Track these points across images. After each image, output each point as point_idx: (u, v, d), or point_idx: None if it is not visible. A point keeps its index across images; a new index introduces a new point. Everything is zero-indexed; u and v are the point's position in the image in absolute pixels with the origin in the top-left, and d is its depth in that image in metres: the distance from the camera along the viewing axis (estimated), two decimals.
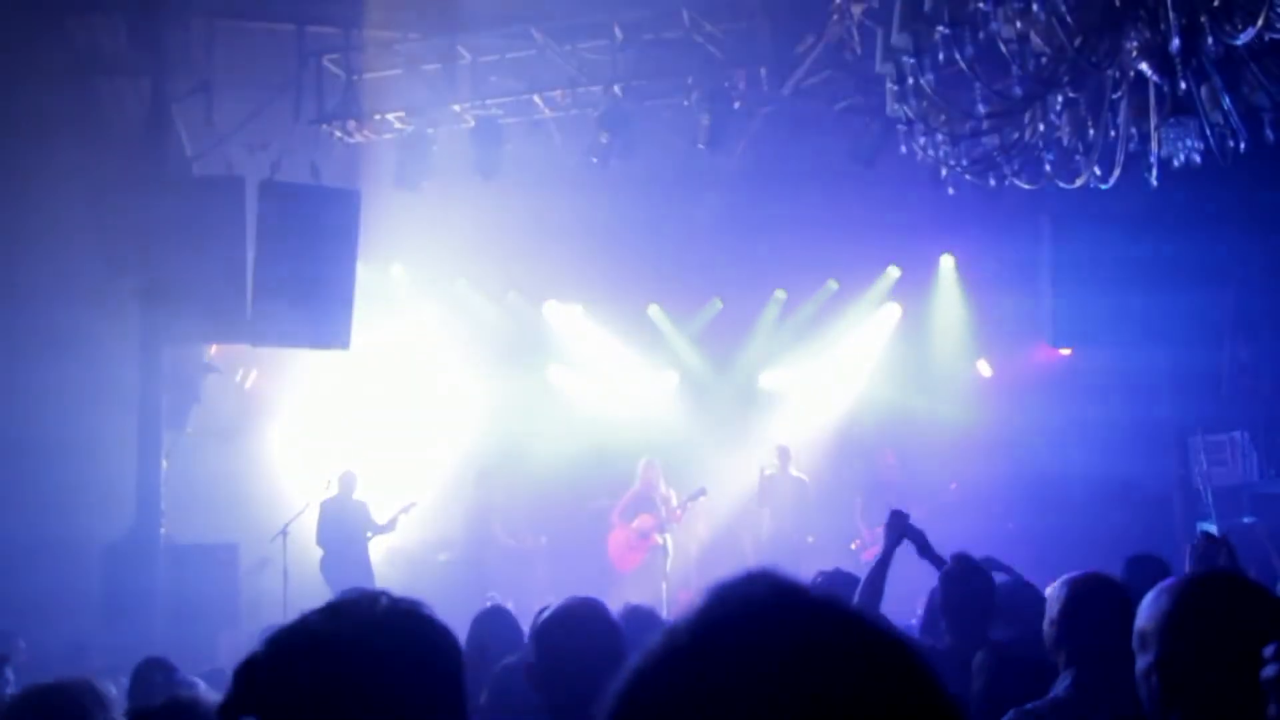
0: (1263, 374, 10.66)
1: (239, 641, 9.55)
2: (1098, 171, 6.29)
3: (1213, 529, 9.02)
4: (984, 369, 13.50)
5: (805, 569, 11.70)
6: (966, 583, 4.46)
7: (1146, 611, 2.17)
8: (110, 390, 9.51)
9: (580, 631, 2.64)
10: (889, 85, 5.66)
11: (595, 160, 9.88)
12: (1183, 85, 4.75)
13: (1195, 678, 2.05)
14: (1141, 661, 2.16)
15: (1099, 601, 3.22)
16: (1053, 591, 3.34)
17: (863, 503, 12.23)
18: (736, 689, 0.76)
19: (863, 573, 5.26)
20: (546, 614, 2.73)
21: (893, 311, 13.85)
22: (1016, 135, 5.99)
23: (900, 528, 5.00)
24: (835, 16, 8.71)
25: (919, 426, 13.14)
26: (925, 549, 5.01)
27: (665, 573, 11.88)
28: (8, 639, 4.17)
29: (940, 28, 4.79)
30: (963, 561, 4.57)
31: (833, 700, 0.76)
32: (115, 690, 3.38)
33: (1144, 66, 5.10)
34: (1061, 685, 3.13)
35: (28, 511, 8.66)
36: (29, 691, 2.95)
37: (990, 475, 11.98)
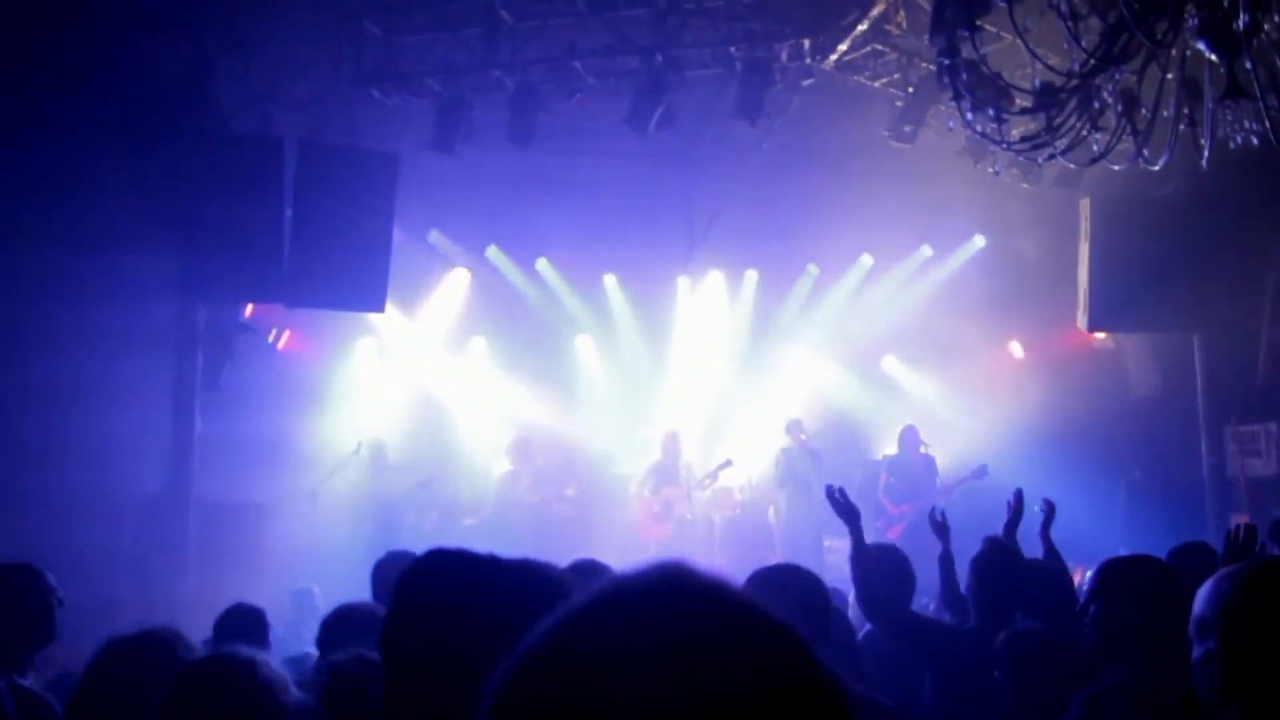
0: None
1: (268, 600, 9.64)
2: (1146, 154, 6.20)
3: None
4: (1016, 350, 13.40)
5: (831, 545, 11.77)
6: (995, 566, 4.41)
7: (1206, 598, 2.14)
8: (146, 348, 9.55)
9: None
10: (939, 59, 5.58)
11: (633, 129, 9.79)
12: (1248, 65, 4.64)
13: (1258, 666, 2.02)
14: (1199, 649, 2.13)
15: (1143, 582, 3.18)
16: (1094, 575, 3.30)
17: (887, 479, 12.17)
18: (620, 671, 0.77)
19: None
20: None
21: (924, 290, 13.76)
22: (1065, 114, 5.90)
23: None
24: None
25: (948, 406, 13.09)
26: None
27: (689, 544, 11.93)
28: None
29: (998, 1, 4.72)
30: (993, 544, 4.52)
31: (715, 684, 0.77)
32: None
33: (1201, 45, 5.01)
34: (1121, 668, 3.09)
35: (62, 466, 8.72)
36: (113, 641, 2.98)
37: (1018, 458, 11.89)
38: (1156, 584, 3.19)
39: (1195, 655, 2.13)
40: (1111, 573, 3.22)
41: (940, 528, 5.33)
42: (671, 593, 0.82)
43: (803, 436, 12.29)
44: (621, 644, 0.78)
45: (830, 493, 4.86)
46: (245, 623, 4.32)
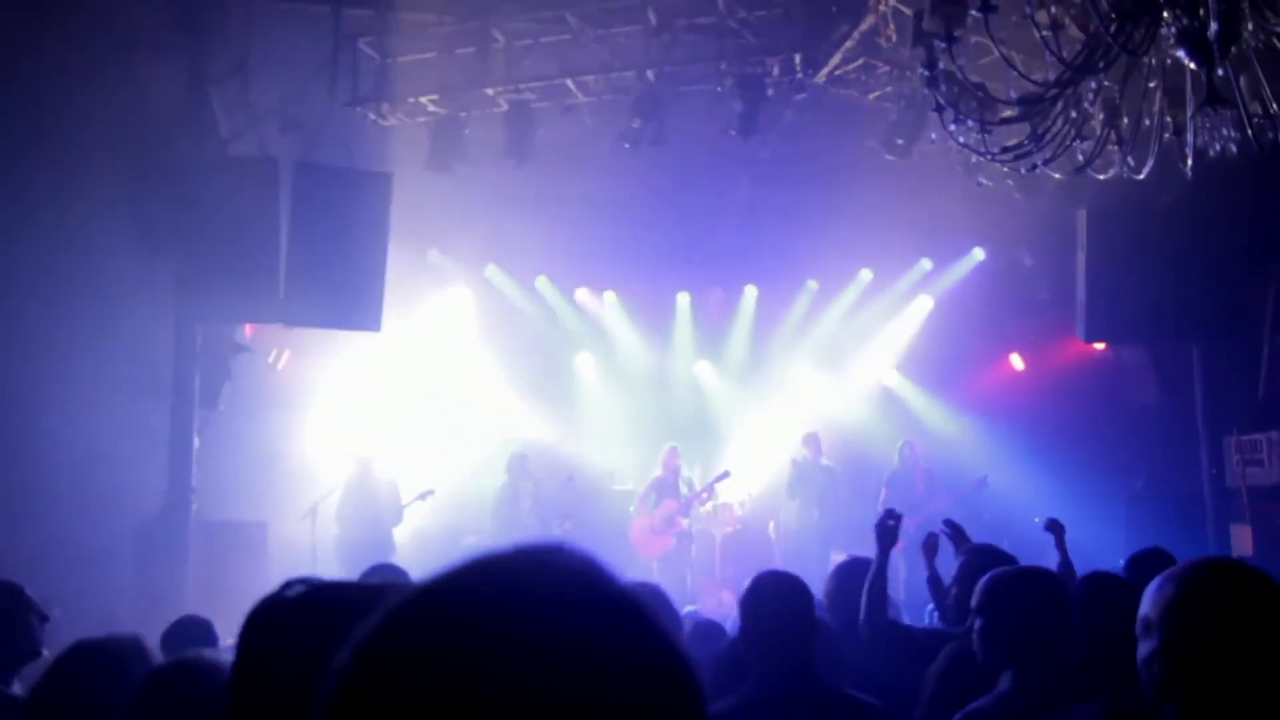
0: None
1: None
2: (1131, 162, 6.20)
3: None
4: (1016, 362, 13.38)
5: (838, 559, 11.72)
6: (977, 575, 4.39)
7: (1150, 598, 2.15)
8: (144, 367, 9.60)
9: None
10: (920, 70, 5.60)
11: (627, 146, 9.85)
12: (1220, 73, 4.65)
13: (1199, 666, 2.03)
14: (1144, 648, 2.13)
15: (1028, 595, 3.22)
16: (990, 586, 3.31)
17: (887, 493, 12.15)
18: (465, 646, 0.77)
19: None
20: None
21: (924, 303, 13.77)
22: (1048, 124, 5.91)
23: (890, 533, 4.76)
24: (870, 2, 8.62)
25: (948, 418, 13.07)
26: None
27: (690, 559, 11.92)
28: (45, 605, 4.26)
29: (973, 11, 4.74)
30: (977, 553, 4.50)
31: (563, 666, 0.76)
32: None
33: (1180, 53, 5.02)
34: (1004, 683, 3.12)
35: (62, 485, 8.77)
36: (79, 644, 3.03)
37: (1019, 469, 11.87)
38: (1039, 596, 3.22)
39: (1140, 654, 2.14)
40: (996, 586, 3.26)
41: (931, 548, 5.37)
42: (511, 572, 0.82)
43: (805, 451, 12.27)
44: (458, 624, 0.78)
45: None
46: (192, 636, 4.34)
